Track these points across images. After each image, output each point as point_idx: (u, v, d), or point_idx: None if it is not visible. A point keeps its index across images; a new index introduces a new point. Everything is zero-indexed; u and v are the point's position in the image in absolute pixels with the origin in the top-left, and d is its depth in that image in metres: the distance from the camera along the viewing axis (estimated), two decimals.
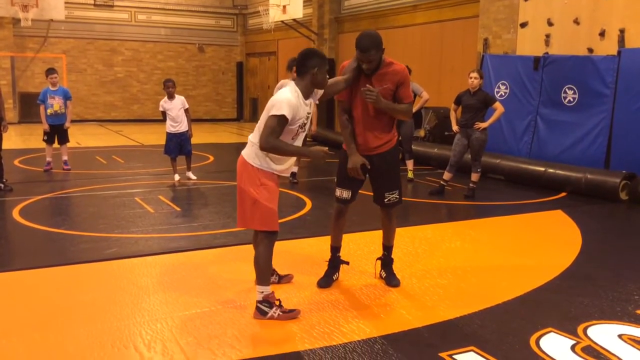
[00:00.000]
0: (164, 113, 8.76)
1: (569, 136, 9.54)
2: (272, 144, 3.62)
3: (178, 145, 8.77)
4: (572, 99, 9.50)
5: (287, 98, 3.65)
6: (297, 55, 3.89)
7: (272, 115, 3.62)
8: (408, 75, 4.29)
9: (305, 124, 3.85)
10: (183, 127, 8.74)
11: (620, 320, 3.90)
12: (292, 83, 3.80)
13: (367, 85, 4.06)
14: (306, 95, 3.81)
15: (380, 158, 4.28)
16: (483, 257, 5.36)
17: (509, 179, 9.38)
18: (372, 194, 4.48)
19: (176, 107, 8.68)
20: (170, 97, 8.68)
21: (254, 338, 3.55)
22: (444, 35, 13.56)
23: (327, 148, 3.85)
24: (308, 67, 3.77)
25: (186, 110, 8.76)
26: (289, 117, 3.63)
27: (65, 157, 9.86)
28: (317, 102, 8.31)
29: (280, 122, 3.62)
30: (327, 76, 3.93)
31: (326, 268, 4.51)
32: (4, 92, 17.31)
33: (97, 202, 7.43)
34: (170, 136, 8.75)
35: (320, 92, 4.00)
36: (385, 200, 4.38)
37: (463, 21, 12.88)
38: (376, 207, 4.52)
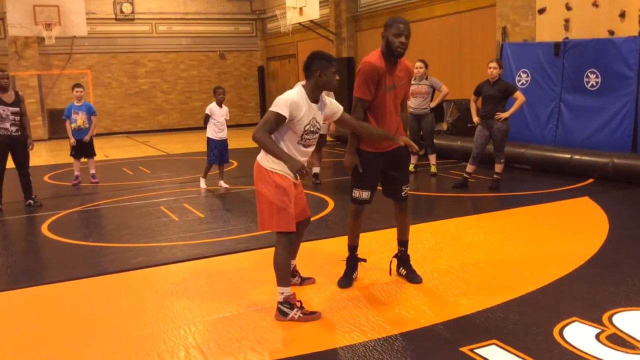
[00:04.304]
0: (207, 118, 8.86)
1: (594, 121, 9.37)
2: (259, 136, 3.68)
3: (220, 153, 8.90)
4: (595, 83, 9.33)
5: (287, 97, 3.74)
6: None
7: (270, 111, 3.74)
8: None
9: (313, 131, 3.87)
10: (225, 134, 8.94)
11: None
12: (299, 85, 3.88)
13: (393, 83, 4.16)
14: (313, 97, 3.85)
15: (398, 152, 4.33)
16: (507, 249, 5.30)
17: (534, 168, 9.25)
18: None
19: (223, 114, 8.89)
20: (220, 104, 8.85)
21: (275, 340, 3.58)
22: (462, 26, 13.44)
23: (309, 170, 3.80)
24: (312, 71, 3.84)
25: (226, 121, 8.98)
26: (285, 115, 3.69)
27: (92, 171, 10.04)
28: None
29: (276, 119, 3.69)
30: (337, 77, 3.96)
31: (345, 268, 4.52)
32: (33, 110, 17.87)
33: (123, 213, 7.57)
34: (216, 143, 8.87)
35: (338, 111, 4.02)
36: (403, 193, 4.40)
37: (480, 11, 12.75)
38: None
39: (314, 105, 3.85)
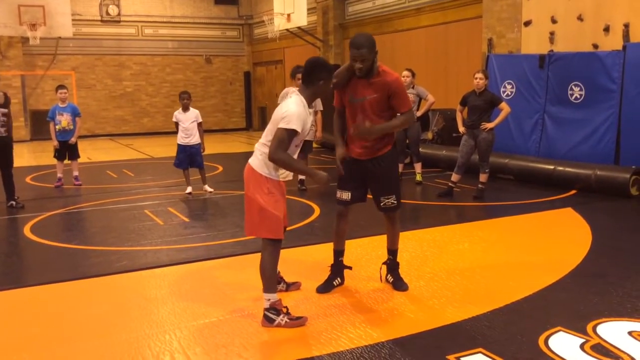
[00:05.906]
0: (177, 124, 8.80)
1: (577, 133, 9.48)
2: (280, 156, 3.64)
3: (188, 158, 8.80)
4: (579, 96, 9.45)
5: (297, 112, 3.68)
6: (305, 63, 3.90)
7: (282, 128, 3.64)
8: (402, 85, 4.25)
9: (308, 132, 3.92)
10: (194, 139, 8.76)
11: (631, 317, 3.87)
12: (297, 93, 3.83)
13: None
14: (310, 103, 3.87)
15: (374, 163, 4.30)
16: (491, 258, 5.34)
17: (518, 178, 9.34)
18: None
19: (189, 119, 8.72)
20: (185, 109, 8.74)
21: (261, 346, 3.56)
22: (448, 37, 13.55)
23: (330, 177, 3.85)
24: (315, 79, 3.82)
25: (199, 124, 8.81)
26: (299, 130, 3.68)
27: (76, 173, 9.95)
28: (322, 108, 8.25)
29: (290, 135, 3.66)
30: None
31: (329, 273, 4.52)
32: (16, 111, 17.64)
33: (107, 216, 7.50)
34: (181, 148, 8.78)
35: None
36: (381, 204, 4.39)
37: (467, 22, 12.86)
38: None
39: (310, 110, 3.88)
